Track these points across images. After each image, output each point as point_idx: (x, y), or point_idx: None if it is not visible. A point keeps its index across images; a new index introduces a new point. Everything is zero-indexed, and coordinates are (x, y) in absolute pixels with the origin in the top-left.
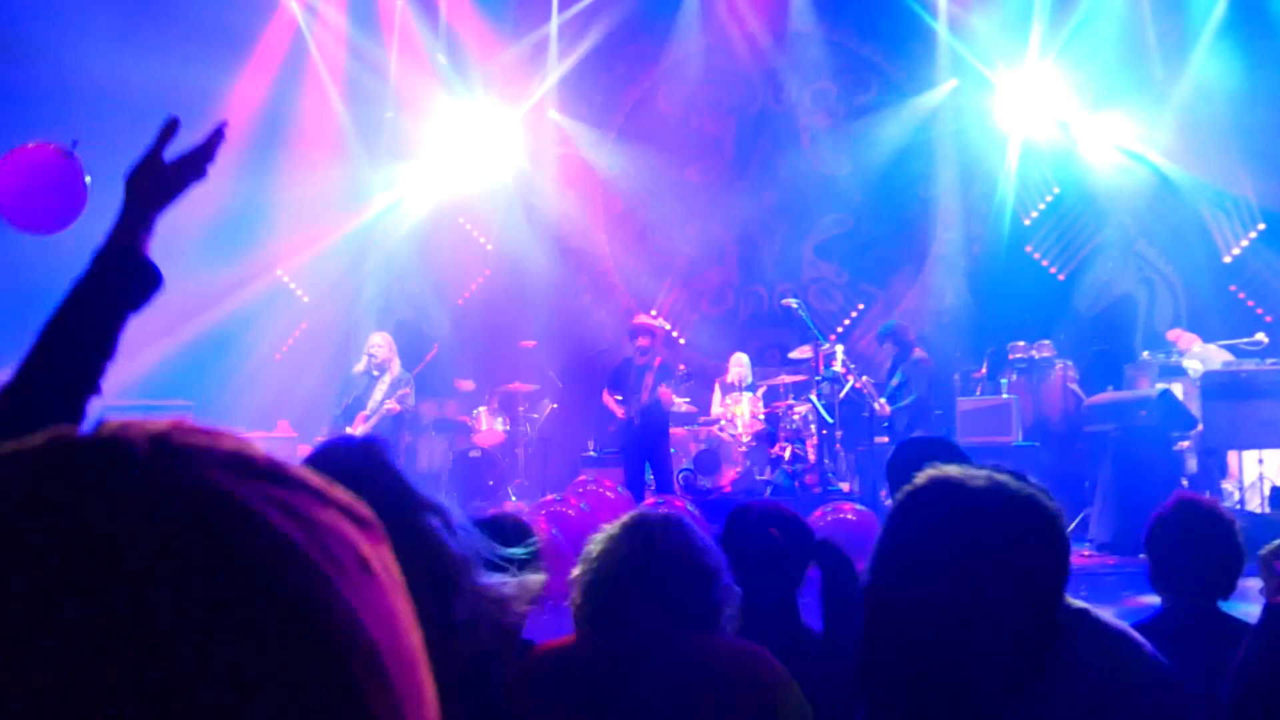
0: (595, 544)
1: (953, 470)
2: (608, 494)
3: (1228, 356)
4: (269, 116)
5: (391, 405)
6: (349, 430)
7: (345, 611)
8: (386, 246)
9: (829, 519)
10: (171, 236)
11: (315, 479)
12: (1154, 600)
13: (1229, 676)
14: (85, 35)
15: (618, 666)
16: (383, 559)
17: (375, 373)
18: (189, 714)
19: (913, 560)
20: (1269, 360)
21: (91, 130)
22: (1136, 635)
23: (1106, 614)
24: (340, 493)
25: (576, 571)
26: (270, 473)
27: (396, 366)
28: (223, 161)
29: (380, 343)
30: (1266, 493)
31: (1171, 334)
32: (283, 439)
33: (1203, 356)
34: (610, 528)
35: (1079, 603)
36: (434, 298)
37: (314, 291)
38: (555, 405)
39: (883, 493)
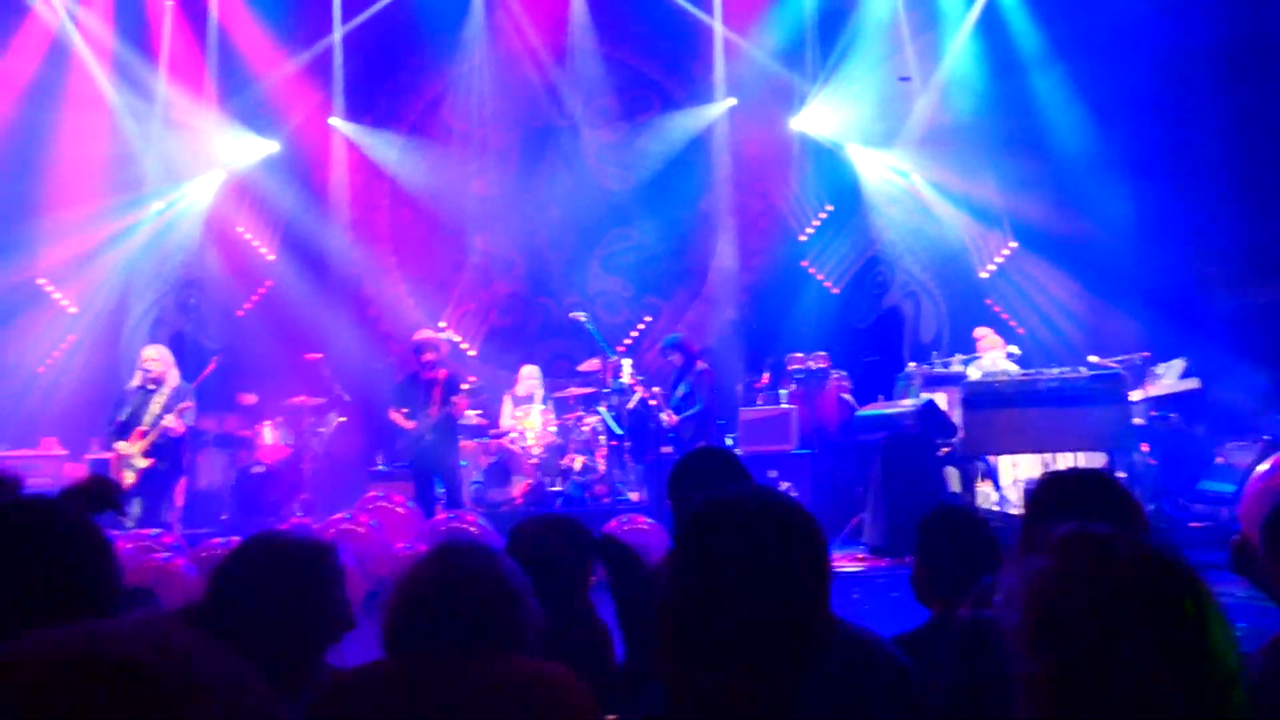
0: (405, 569)
1: (729, 492)
2: (398, 509)
3: (1013, 368)
4: (28, 120)
5: (175, 426)
6: (121, 445)
7: None
8: (161, 256)
9: (625, 529)
10: None
11: None
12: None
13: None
14: None
15: (423, 688)
16: None
17: (150, 387)
18: None
19: (700, 575)
20: (1019, 371)
21: None
22: (872, 635)
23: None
24: None
25: (387, 597)
26: None
27: (174, 377)
28: None
29: (155, 355)
30: (1021, 496)
31: (978, 331)
32: (48, 456)
33: (989, 364)
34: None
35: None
36: (212, 309)
37: (81, 302)
38: (343, 419)
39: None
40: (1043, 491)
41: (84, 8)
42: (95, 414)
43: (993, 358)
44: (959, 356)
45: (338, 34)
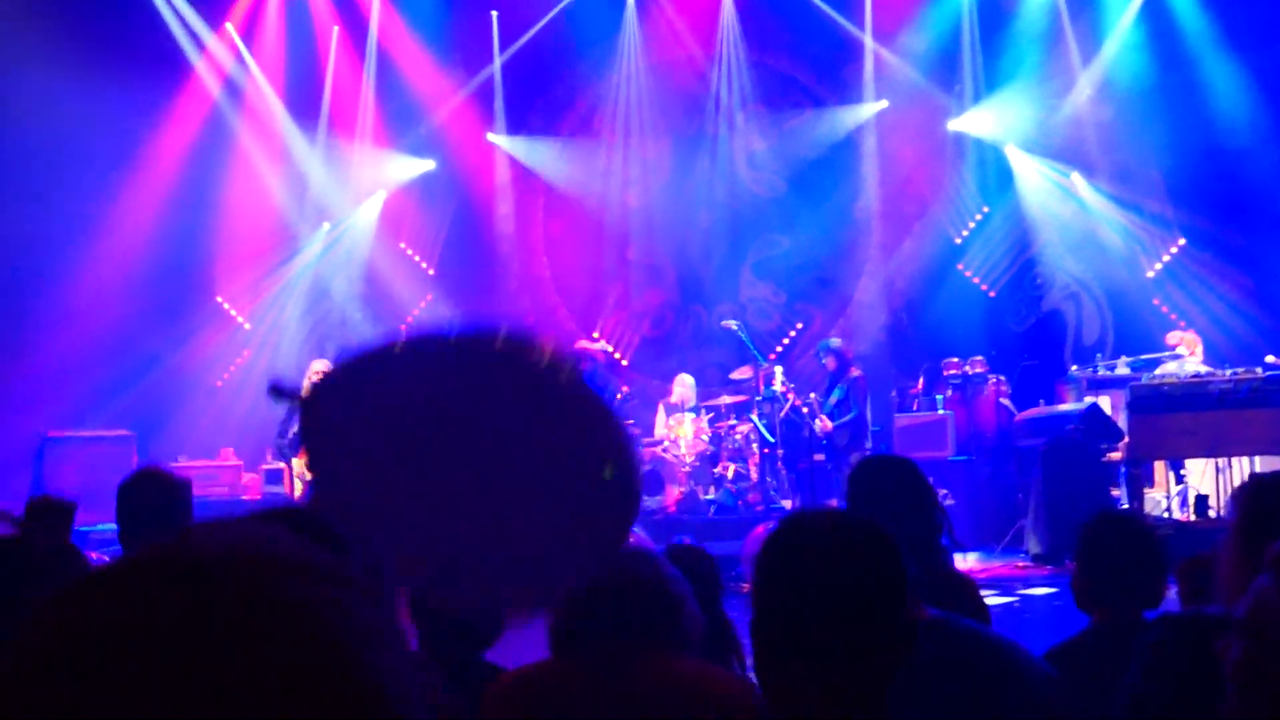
0: None
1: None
2: None
3: (1203, 368)
4: (207, 140)
5: None
6: (296, 462)
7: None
8: (327, 272)
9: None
10: (111, 263)
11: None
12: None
13: (1122, 691)
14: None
15: (592, 688)
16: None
17: None
18: None
19: (785, 590)
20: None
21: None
22: (1001, 639)
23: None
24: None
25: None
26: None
27: None
28: (161, 189)
29: (322, 369)
30: (1191, 501)
31: (1171, 337)
32: (226, 466)
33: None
34: None
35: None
36: (376, 323)
37: (255, 318)
38: None
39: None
40: (1260, 496)
41: (254, 55)
42: (269, 426)
43: (1193, 360)
44: (1124, 359)
45: (498, 61)
